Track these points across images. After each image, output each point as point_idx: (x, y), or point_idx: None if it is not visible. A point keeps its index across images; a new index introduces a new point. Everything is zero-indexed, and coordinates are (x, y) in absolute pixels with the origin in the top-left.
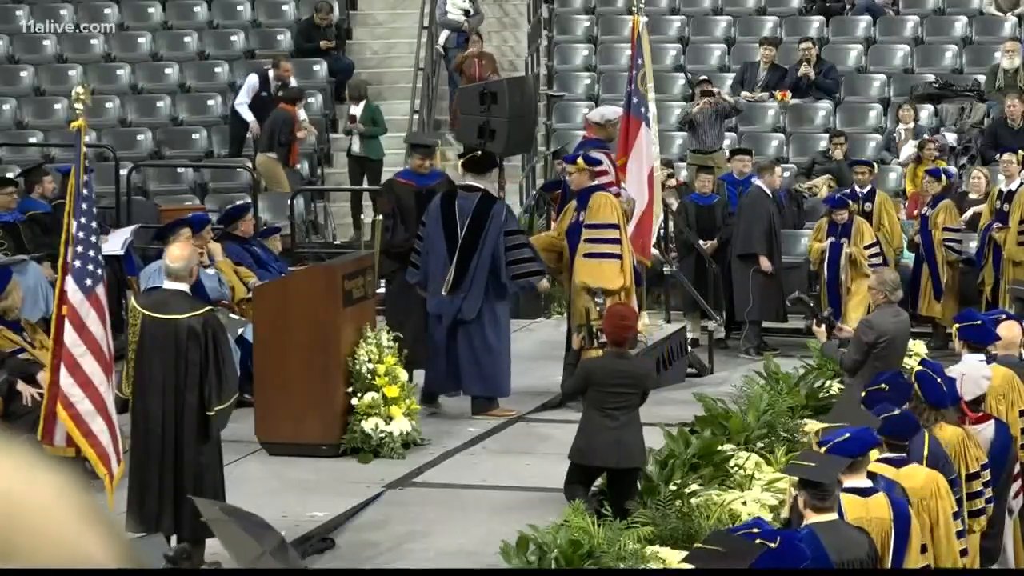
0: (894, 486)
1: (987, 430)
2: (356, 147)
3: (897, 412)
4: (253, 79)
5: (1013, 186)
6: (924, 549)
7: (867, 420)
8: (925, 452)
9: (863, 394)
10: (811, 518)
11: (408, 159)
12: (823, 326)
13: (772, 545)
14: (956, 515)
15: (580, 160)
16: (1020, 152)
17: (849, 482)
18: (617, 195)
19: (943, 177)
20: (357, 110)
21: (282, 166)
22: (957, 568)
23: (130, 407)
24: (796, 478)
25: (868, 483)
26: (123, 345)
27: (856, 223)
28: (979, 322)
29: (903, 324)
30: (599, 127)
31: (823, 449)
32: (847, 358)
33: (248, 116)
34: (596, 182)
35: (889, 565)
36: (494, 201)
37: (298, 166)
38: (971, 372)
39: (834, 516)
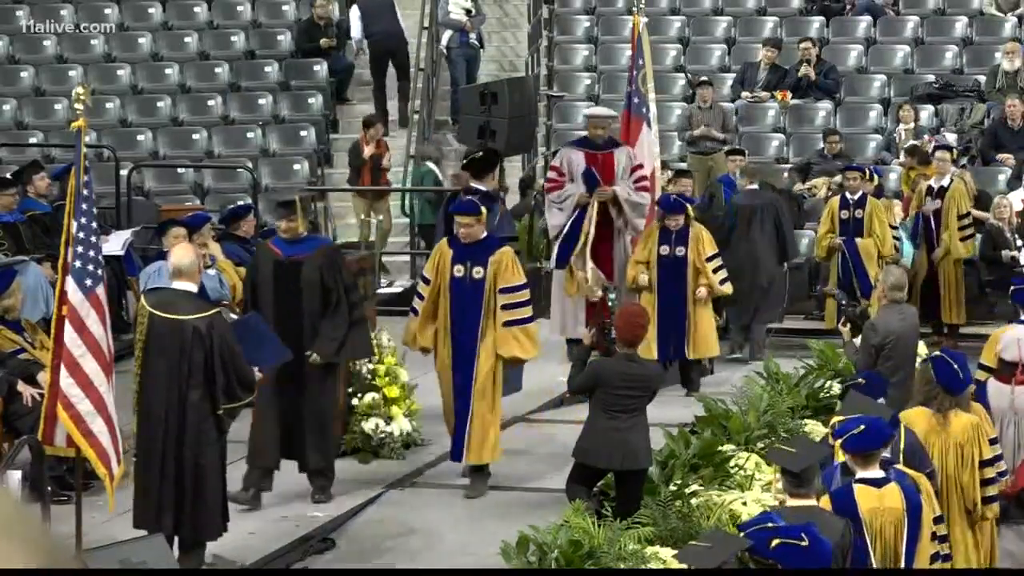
0: (904, 475)
1: None
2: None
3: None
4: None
5: (944, 182)
6: (933, 536)
7: (879, 412)
8: (902, 445)
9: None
10: (789, 502)
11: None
12: (848, 326)
13: (803, 544)
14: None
15: (483, 209)
16: (954, 150)
17: (863, 473)
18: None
19: (874, 176)
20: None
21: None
22: (959, 568)
23: (134, 406)
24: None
25: (881, 474)
26: (123, 345)
27: (694, 231)
28: None
29: (909, 322)
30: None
31: (837, 440)
32: (859, 362)
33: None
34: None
35: (903, 551)
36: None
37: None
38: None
39: (811, 502)
